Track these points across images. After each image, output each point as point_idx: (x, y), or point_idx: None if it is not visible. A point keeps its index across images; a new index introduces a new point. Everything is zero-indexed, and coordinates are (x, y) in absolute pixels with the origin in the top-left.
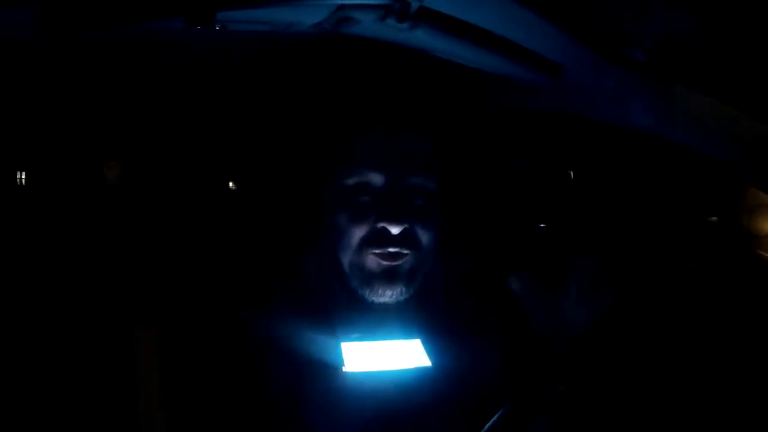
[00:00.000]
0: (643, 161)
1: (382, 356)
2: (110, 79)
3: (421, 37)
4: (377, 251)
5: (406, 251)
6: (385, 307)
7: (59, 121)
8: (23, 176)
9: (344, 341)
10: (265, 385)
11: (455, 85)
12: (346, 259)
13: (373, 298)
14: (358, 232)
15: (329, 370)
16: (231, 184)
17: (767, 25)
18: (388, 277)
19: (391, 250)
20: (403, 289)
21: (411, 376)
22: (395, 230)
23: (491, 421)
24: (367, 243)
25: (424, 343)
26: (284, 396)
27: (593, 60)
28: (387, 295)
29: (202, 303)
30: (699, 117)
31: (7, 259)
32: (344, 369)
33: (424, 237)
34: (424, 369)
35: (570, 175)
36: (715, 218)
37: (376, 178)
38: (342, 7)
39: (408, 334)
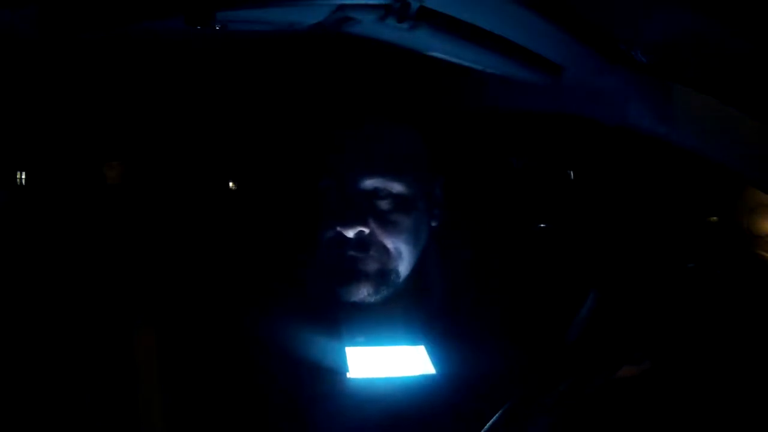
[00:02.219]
0: (643, 161)
1: (387, 362)
2: (110, 78)
3: (421, 37)
4: (337, 252)
5: (364, 254)
6: (387, 309)
7: (59, 121)
8: (23, 176)
9: (348, 345)
10: (266, 389)
11: (455, 85)
12: (321, 258)
13: (347, 298)
14: (324, 234)
15: (333, 375)
16: (231, 184)
17: (767, 25)
18: (350, 275)
19: (350, 253)
20: (372, 289)
21: (415, 383)
22: (350, 234)
23: (491, 421)
24: (329, 245)
25: (428, 349)
26: (286, 400)
27: (593, 60)
28: (357, 295)
29: (203, 304)
30: (699, 117)
31: (7, 259)
32: (348, 375)
33: (391, 241)
34: (429, 376)
35: (570, 175)
36: (715, 218)
37: (341, 181)
38: (342, 7)
39: (412, 340)
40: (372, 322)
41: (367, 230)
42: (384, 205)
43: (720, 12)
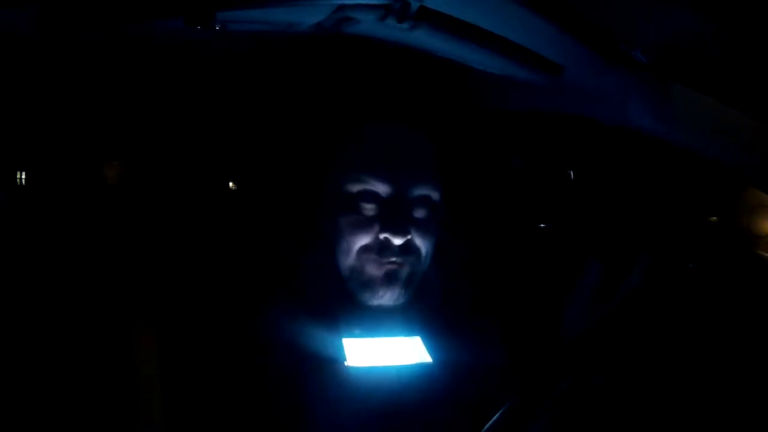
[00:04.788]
0: (643, 161)
1: (383, 352)
2: (110, 78)
3: (421, 37)
4: (376, 257)
5: (405, 261)
6: (387, 310)
7: (59, 121)
8: (23, 176)
9: (345, 337)
10: (265, 383)
11: (455, 85)
12: (346, 263)
13: (372, 302)
14: (360, 240)
15: (331, 365)
16: (231, 184)
17: (767, 25)
18: (387, 280)
19: (392, 260)
20: (402, 292)
21: (412, 371)
22: (398, 241)
23: (491, 421)
24: (367, 251)
25: (424, 340)
26: (285, 393)
27: (593, 60)
28: (386, 299)
29: (202, 303)
30: (699, 117)
31: (7, 259)
32: (346, 364)
33: (424, 246)
34: (425, 365)
35: (570, 175)
36: (715, 218)
37: (381, 188)
38: (342, 7)
39: (409, 332)
40: (369, 316)
41: (410, 237)
42: (423, 213)
43: (720, 12)
